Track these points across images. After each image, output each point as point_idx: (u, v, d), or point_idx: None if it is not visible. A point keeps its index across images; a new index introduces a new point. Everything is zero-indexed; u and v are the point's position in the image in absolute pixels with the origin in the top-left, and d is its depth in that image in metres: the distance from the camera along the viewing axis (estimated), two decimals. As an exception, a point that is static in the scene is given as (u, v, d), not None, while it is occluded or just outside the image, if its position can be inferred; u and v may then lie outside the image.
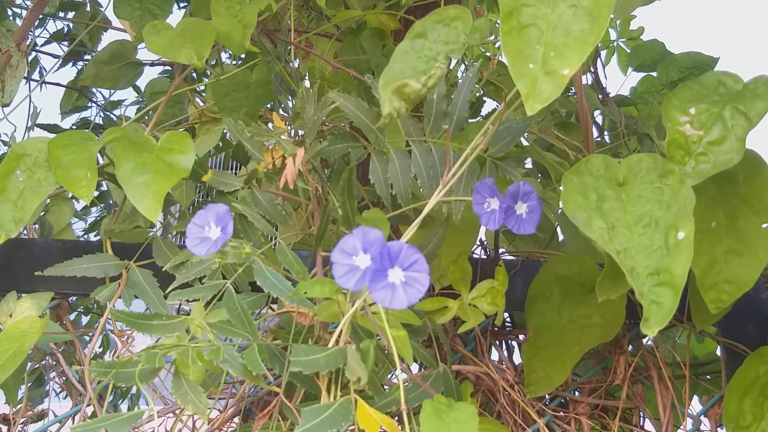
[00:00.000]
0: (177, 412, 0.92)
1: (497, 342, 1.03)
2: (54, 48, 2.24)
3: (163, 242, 0.96)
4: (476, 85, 0.87)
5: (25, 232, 1.16)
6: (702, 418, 0.95)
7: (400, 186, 0.84)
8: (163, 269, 0.91)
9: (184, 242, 0.86)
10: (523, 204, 0.75)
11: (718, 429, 0.93)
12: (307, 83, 1.35)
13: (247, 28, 0.97)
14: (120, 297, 0.91)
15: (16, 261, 0.99)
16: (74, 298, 1.35)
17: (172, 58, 0.93)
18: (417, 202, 0.85)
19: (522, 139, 0.91)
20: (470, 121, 0.87)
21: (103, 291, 0.91)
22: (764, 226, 0.76)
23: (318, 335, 0.77)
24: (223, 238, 0.67)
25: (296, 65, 1.35)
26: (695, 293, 0.79)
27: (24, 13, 1.83)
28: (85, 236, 2.25)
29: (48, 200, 1.46)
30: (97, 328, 0.93)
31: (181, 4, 2.04)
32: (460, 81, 0.87)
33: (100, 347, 2.05)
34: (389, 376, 0.81)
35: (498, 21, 0.63)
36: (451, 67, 0.74)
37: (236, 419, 0.96)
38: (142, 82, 1.61)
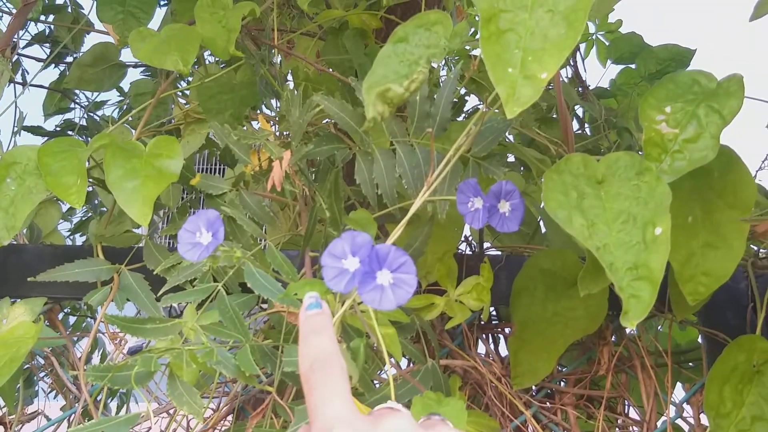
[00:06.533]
0: (171, 411, 0.93)
1: (484, 336, 1.05)
2: (35, 50, 2.22)
3: (153, 246, 0.96)
4: (458, 81, 0.88)
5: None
6: (685, 405, 0.97)
7: (385, 186, 0.85)
8: (154, 272, 0.92)
9: (173, 245, 0.87)
10: (506, 202, 0.76)
11: (700, 416, 0.96)
12: (290, 84, 1.36)
13: (232, 33, 0.98)
14: (112, 301, 0.92)
15: (8, 267, 1.00)
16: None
17: (158, 65, 0.94)
18: (402, 202, 0.87)
19: (504, 134, 0.92)
20: (453, 120, 0.89)
21: (95, 295, 0.91)
22: (740, 219, 0.78)
23: (308, 334, 0.79)
24: (214, 243, 0.68)
25: (278, 63, 1.35)
26: (675, 284, 0.81)
27: (5, 17, 1.83)
28: (71, 236, 2.25)
29: (36, 203, 1.46)
30: (89, 331, 0.94)
31: (162, 2, 2.03)
32: (442, 81, 0.88)
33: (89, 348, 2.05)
34: (379, 372, 0.83)
35: (478, 16, 0.64)
36: (433, 66, 0.75)
37: (230, 417, 0.97)
38: (124, 83, 1.61)
